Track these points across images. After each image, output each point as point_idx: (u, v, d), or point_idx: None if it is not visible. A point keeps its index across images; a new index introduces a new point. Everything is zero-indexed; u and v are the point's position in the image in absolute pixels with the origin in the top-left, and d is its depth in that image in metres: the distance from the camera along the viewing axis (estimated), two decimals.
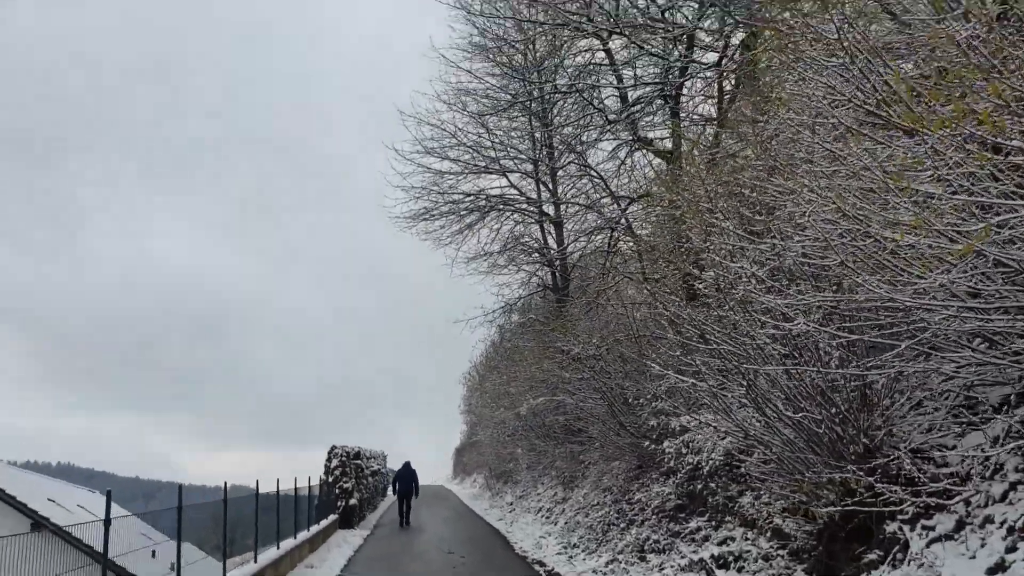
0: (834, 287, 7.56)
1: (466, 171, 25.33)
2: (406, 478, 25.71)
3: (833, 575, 8.98)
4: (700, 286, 9.89)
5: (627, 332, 17.90)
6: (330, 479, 25.00)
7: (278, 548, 14.25)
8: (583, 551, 15.53)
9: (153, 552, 18.39)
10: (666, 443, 14.17)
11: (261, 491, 16.07)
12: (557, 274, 25.86)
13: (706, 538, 11.72)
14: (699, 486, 12.73)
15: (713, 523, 11.99)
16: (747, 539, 10.77)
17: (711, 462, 12.48)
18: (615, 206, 20.50)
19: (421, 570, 14.89)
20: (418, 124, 24.26)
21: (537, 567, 15.17)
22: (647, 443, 14.70)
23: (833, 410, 8.05)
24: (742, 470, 11.27)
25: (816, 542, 9.47)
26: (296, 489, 19.57)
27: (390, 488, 35.58)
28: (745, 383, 9.10)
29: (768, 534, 10.41)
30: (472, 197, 25.46)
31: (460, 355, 64.58)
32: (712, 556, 10.91)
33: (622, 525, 14.95)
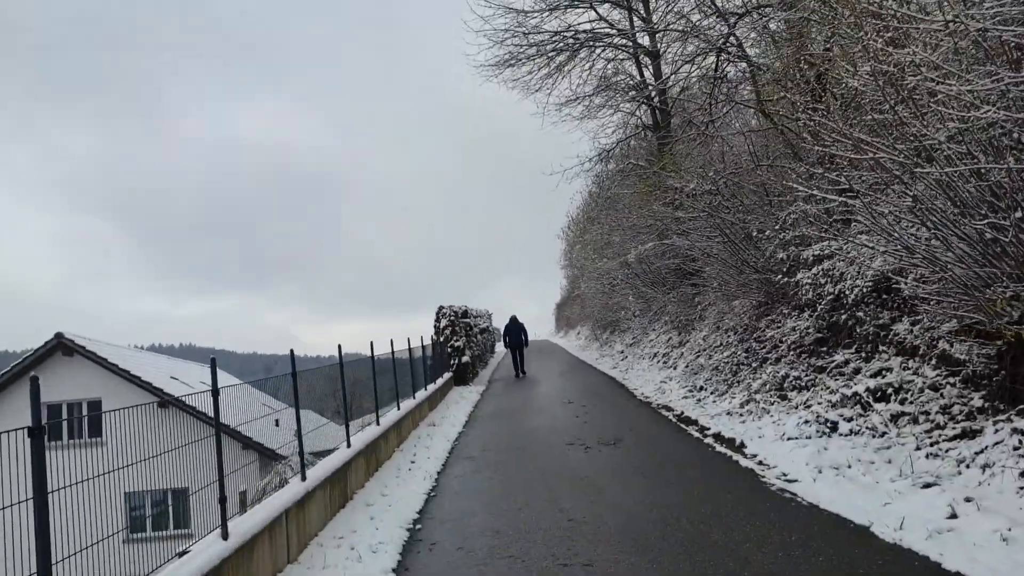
0: None
1: (550, 6, 23.52)
2: (515, 331, 26.39)
3: (1019, 400, 7.97)
4: (855, 83, 8.47)
5: (745, 162, 16.54)
6: (441, 339, 24.92)
7: (398, 409, 14.02)
8: (712, 393, 14.83)
9: (276, 421, 18.75)
10: (800, 274, 13.07)
11: (374, 355, 15.86)
12: (657, 111, 24.22)
13: (856, 371, 10.75)
14: (843, 317, 11.66)
15: (863, 355, 10.98)
16: (907, 368, 9.76)
17: (856, 289, 11.37)
18: (721, 25, 18.62)
19: (545, 423, 14.50)
20: None
21: (664, 412, 14.58)
22: (778, 277, 13.60)
23: (1020, 214, 6.84)
24: (902, 293, 10.15)
25: (997, 366, 8.40)
26: (410, 350, 19.41)
27: (499, 343, 35.73)
28: (912, 193, 7.88)
29: (933, 361, 9.37)
30: (559, 35, 23.75)
31: (556, 210, 63.79)
32: (867, 389, 9.96)
33: (753, 364, 14.11)
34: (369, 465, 10.72)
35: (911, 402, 9.30)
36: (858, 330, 11.23)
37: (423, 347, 21.86)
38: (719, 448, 10.62)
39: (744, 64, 18.33)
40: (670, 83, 23.44)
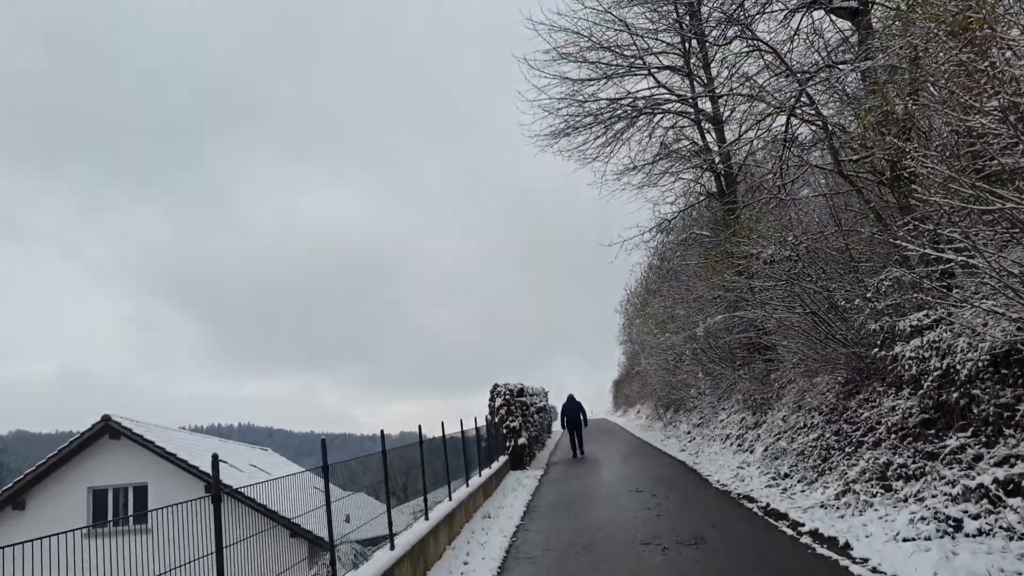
0: None
1: (607, 74, 22.83)
2: (573, 410, 26.01)
3: None
4: (980, 120, 7.26)
5: (827, 226, 15.29)
6: (495, 419, 23.66)
7: (450, 499, 12.75)
8: (799, 482, 13.26)
9: (348, 517, 17.83)
10: (898, 347, 11.63)
11: (423, 439, 14.73)
12: (722, 178, 23.13)
13: (977, 458, 9.22)
14: (954, 395, 10.17)
15: (982, 439, 9.46)
16: None
17: (970, 363, 9.90)
18: (791, 84, 17.58)
19: (612, 515, 13.06)
20: (550, 31, 22.03)
21: (747, 504, 13.04)
22: (873, 350, 12.16)
23: None
24: None
25: None
26: (463, 432, 18.21)
27: (556, 423, 34.33)
28: None
29: None
30: (616, 103, 22.98)
31: (614, 285, 62.60)
32: (996, 481, 8.45)
33: (847, 449, 12.55)
34: (416, 569, 9.44)
35: None
36: (974, 410, 9.72)
37: (477, 429, 20.63)
38: (820, 549, 9.11)
39: (818, 124, 17.22)
40: (736, 147, 22.41)
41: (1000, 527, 7.88)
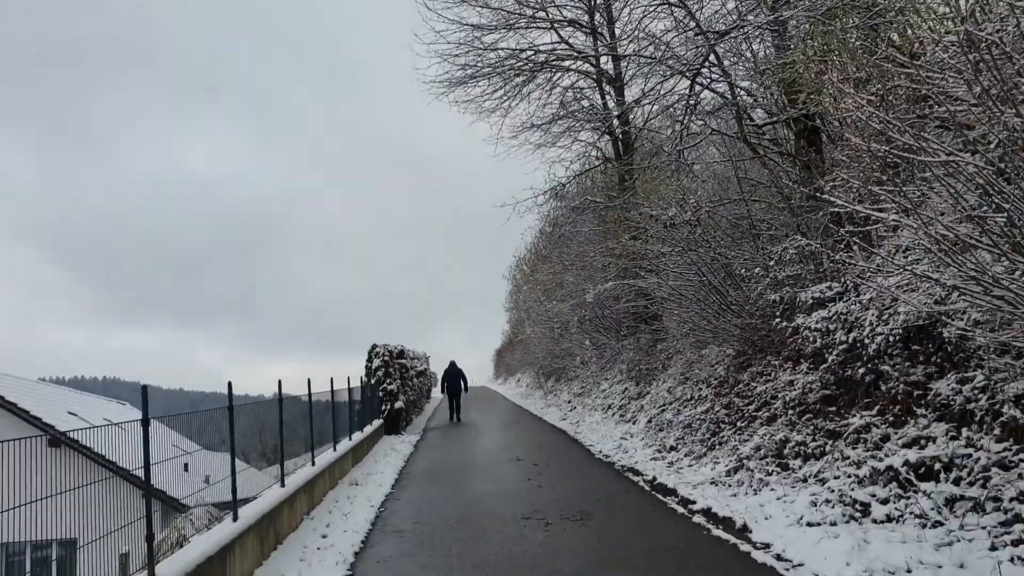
0: None
1: (509, 23, 21.62)
2: (454, 376, 26.31)
3: None
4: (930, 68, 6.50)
5: (731, 192, 14.70)
6: (372, 381, 22.37)
7: (312, 464, 11.49)
8: (687, 456, 12.64)
9: (185, 465, 16.34)
10: (800, 319, 11.05)
11: (291, 396, 13.39)
12: (620, 141, 22.38)
13: (884, 438, 8.68)
14: (860, 371, 9.63)
15: (889, 418, 8.94)
16: (956, 439, 7.72)
17: (879, 338, 9.36)
18: (699, 43, 16.84)
19: (491, 486, 12.11)
20: None
21: (632, 476, 12.33)
22: (775, 321, 11.57)
23: None
24: (947, 342, 8.19)
25: None
26: (333, 393, 16.90)
27: (437, 389, 33.40)
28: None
29: (997, 432, 7.33)
30: (516, 53, 21.83)
31: (505, 253, 61.57)
32: (907, 463, 7.87)
33: (739, 424, 11.98)
34: (264, 543, 8.19)
35: (971, 483, 7.23)
36: (882, 388, 9.19)
37: (350, 390, 19.32)
38: (716, 531, 8.38)
39: (725, 85, 16.59)
40: (636, 110, 21.68)
41: (912, 513, 7.29)
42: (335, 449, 13.49)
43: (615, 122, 21.90)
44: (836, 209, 11.23)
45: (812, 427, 10.11)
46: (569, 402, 26.70)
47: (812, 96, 13.68)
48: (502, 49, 21.66)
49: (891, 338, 9.25)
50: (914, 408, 8.63)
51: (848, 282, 11.00)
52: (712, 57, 15.70)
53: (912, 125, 6.62)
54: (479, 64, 22.01)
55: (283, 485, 9.48)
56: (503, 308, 56.47)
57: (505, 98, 22.44)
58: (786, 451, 10.17)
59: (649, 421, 16.49)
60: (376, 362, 22.38)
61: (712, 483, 10.69)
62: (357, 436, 16.27)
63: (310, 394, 11.98)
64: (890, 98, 8.66)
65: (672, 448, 13.50)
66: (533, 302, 33.86)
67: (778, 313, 12.04)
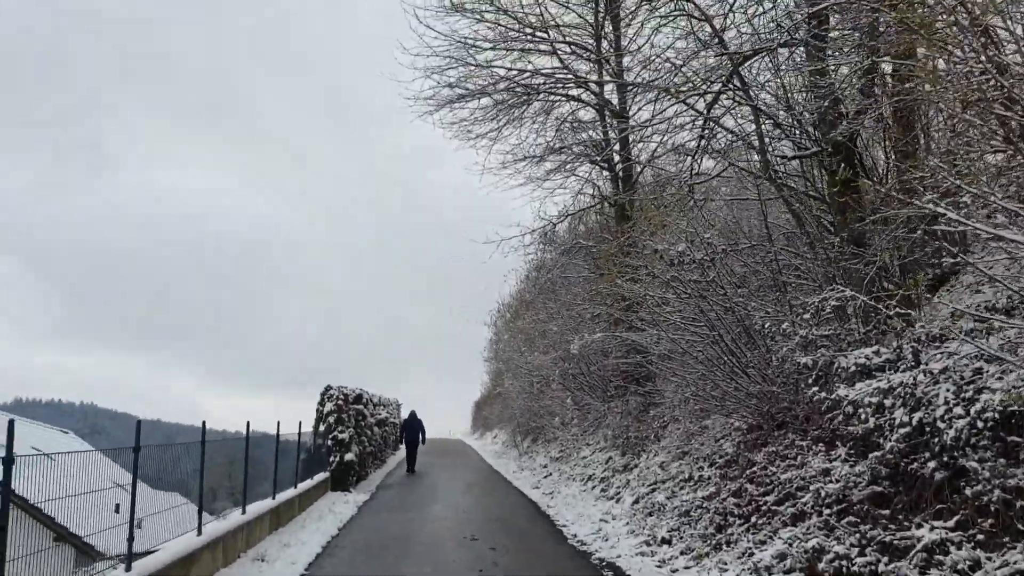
0: None
1: (506, 41, 19.44)
2: (412, 427, 26.03)
3: None
4: None
5: (753, 231, 12.38)
6: (322, 427, 19.67)
7: (199, 533, 8.81)
8: (684, 554, 10.00)
9: (117, 506, 14.01)
10: (844, 389, 8.55)
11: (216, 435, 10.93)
12: (619, 179, 20.09)
13: (974, 565, 6.13)
14: (928, 465, 7.11)
15: (976, 535, 6.41)
16: None
17: (961, 422, 6.86)
18: (721, 63, 14.60)
19: (430, 572, 9.44)
20: None
21: (609, 574, 9.65)
22: (812, 391, 9.05)
23: None
24: None
25: None
26: (278, 437, 14.31)
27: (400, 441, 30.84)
28: None
29: None
30: (514, 75, 19.62)
31: (487, 295, 58.69)
32: None
33: (753, 519, 9.38)
34: None
35: None
36: (966, 491, 6.66)
37: (299, 436, 16.69)
38: None
39: (745, 115, 14.32)
40: (639, 146, 19.45)
41: None
42: (243, 510, 10.78)
43: (615, 150, 19.63)
44: (875, 259, 8.90)
45: (857, 535, 7.53)
46: (545, 467, 23.94)
47: (855, 119, 11.46)
48: (496, 67, 19.44)
49: (978, 424, 6.75)
50: (1018, 524, 6.11)
51: (904, 347, 8.57)
52: (735, 80, 13.41)
53: None
54: (469, 83, 19.82)
55: (128, 569, 6.78)
56: (482, 357, 53.44)
57: (496, 124, 20.20)
58: (822, 566, 7.57)
59: (636, 501, 13.84)
60: (328, 406, 19.69)
61: None
62: (284, 495, 13.54)
63: (204, 440, 9.37)
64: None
65: (665, 541, 10.84)
66: (513, 352, 31.25)
67: (810, 381, 9.55)
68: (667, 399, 16.05)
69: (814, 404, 10.10)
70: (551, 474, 22.07)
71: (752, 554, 8.64)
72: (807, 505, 8.50)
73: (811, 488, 8.58)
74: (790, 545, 8.06)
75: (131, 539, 6.72)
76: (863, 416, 7.90)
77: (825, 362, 9.51)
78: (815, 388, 8.73)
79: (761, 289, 11.61)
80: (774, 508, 9.11)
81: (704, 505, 10.82)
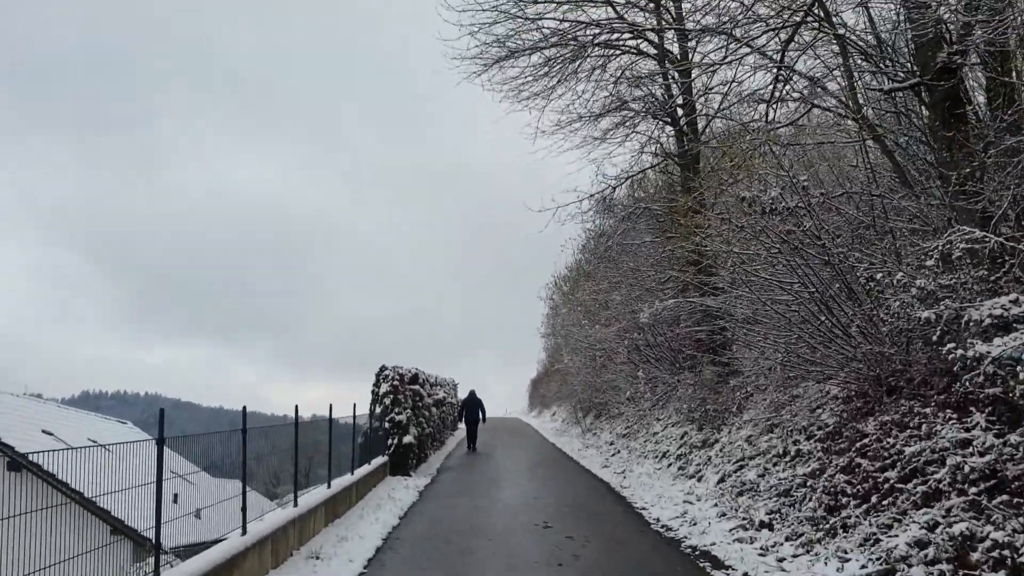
0: None
1: None
2: (472, 406, 26.19)
3: None
4: None
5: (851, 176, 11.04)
6: (379, 410, 18.76)
7: (243, 532, 7.85)
8: (791, 540, 8.77)
9: (175, 496, 13.54)
10: (979, 345, 7.21)
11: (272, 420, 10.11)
12: (685, 136, 18.66)
13: None
14: None
15: None
16: None
17: None
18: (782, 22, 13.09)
19: (504, 567, 8.39)
20: None
21: (712, 569, 8.46)
22: (949, 347, 7.66)
23: None
24: None
25: None
26: (331, 420, 13.38)
27: (460, 420, 30.22)
28: None
29: None
30: (567, 26, 18.27)
31: (544, 274, 57.37)
32: None
33: (873, 499, 8.10)
34: None
35: None
36: None
37: (355, 420, 15.79)
38: None
39: (832, 55, 12.90)
40: (705, 99, 18.00)
41: None
42: (295, 503, 9.83)
43: (678, 103, 18.23)
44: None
45: (1018, 518, 6.23)
46: (611, 444, 22.80)
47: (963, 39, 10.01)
48: (548, 18, 18.11)
49: None
50: None
51: None
52: (817, 9, 11.93)
53: None
54: (518, 39, 18.53)
55: None
56: (539, 334, 52.08)
57: (548, 82, 18.89)
58: (976, 555, 6.30)
59: (722, 480, 12.63)
60: (384, 387, 18.75)
61: None
62: (341, 481, 12.61)
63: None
64: None
65: (764, 525, 9.61)
66: (572, 326, 30.02)
67: (934, 338, 8.18)
68: (748, 368, 14.77)
69: (934, 365, 8.78)
70: (619, 451, 20.93)
71: (878, 540, 7.39)
72: (943, 482, 7.20)
73: (947, 463, 7.27)
74: (930, 530, 6.79)
75: (157, 545, 5.73)
76: (1021, 375, 6.54)
77: (950, 316, 8.15)
78: (952, 345, 7.35)
79: (863, 238, 10.23)
80: (898, 486, 7.82)
81: (808, 483, 9.56)
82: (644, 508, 12.58)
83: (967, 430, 7.45)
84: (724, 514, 10.80)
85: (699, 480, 13.60)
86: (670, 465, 15.92)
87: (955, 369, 7.85)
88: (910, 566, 6.66)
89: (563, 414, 40.41)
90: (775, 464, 11.21)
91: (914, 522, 7.04)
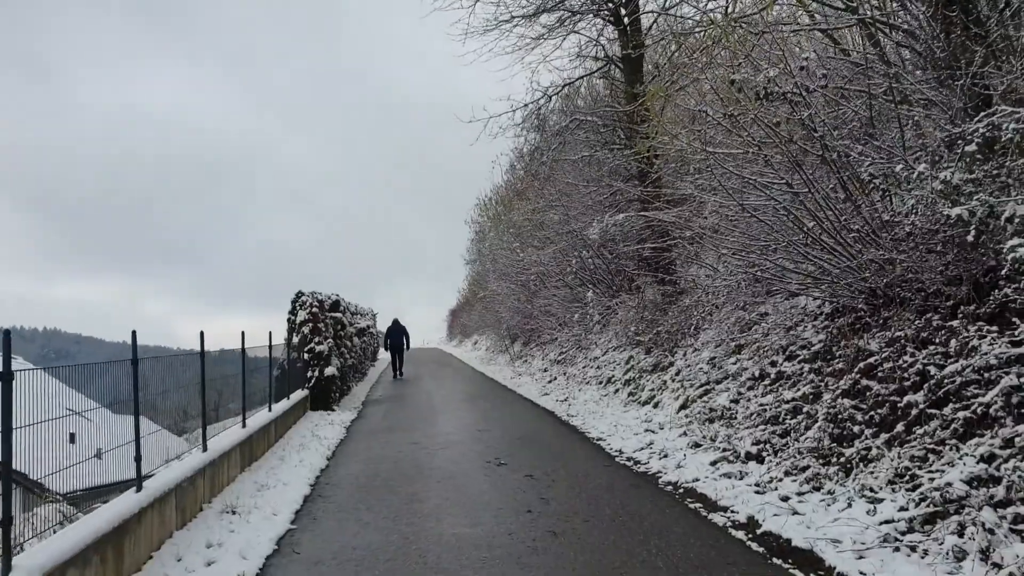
0: None
1: None
2: (396, 333, 26.39)
3: None
4: None
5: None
6: (296, 339, 17.03)
7: (138, 489, 6.20)
8: (790, 474, 7.59)
9: (72, 436, 11.51)
10: (1014, 240, 6.01)
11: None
12: (630, 36, 17.06)
13: None
14: None
15: None
16: None
17: None
18: None
19: (470, 533, 7.00)
20: None
21: (704, 511, 7.24)
22: (1008, 243, 6.42)
23: None
24: None
25: None
26: (244, 351, 11.60)
27: (382, 348, 29.06)
28: None
29: None
30: None
31: (470, 197, 55.51)
32: None
33: (898, 427, 6.94)
34: None
35: None
36: None
37: (271, 350, 14.01)
38: None
39: None
40: None
41: None
42: (204, 447, 8.18)
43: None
44: None
45: None
46: (545, 371, 21.64)
47: None
48: None
49: None
50: None
51: None
52: None
53: None
54: None
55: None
56: (463, 260, 50.41)
57: None
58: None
59: (684, 406, 11.48)
60: (301, 314, 16.97)
61: (884, 542, 5.67)
62: (259, 419, 10.97)
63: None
64: None
65: (752, 456, 8.45)
66: (502, 249, 28.55)
67: (968, 238, 6.98)
68: (707, 285, 13.61)
69: (954, 272, 7.63)
70: (555, 378, 19.77)
71: (914, 477, 6.23)
72: (994, 407, 6.05)
73: (1000, 383, 6.12)
74: (990, 465, 5.64)
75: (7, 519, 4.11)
76: None
77: (984, 214, 6.94)
78: (1015, 242, 6.10)
79: (864, 129, 8.93)
80: (929, 412, 6.67)
81: (804, 410, 8.40)
82: (601, 439, 11.37)
83: (1013, 346, 6.31)
84: (698, 444, 9.63)
85: (656, 407, 12.45)
86: (617, 391, 14.77)
87: (988, 277, 6.67)
88: (966, 504, 5.51)
89: (487, 343, 39.23)
90: (750, 388, 10.07)
91: (967, 455, 5.88)
